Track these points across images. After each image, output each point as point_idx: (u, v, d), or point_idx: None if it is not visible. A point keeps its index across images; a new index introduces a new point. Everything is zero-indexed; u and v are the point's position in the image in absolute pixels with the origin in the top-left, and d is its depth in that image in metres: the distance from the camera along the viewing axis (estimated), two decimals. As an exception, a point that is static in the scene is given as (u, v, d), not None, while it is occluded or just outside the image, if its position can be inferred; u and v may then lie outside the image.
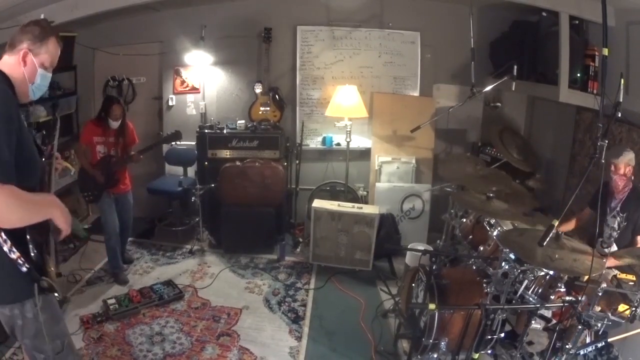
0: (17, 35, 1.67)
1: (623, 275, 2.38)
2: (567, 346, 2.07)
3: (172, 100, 4.76)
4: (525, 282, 2.33)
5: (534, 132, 4.77)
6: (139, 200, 4.16)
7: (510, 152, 4.04)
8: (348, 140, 4.38)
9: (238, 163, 4.24)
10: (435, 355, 2.58)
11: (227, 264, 4.11)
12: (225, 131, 4.44)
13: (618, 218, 2.79)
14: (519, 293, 2.33)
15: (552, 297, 2.30)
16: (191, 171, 4.70)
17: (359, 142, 4.74)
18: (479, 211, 2.88)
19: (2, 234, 1.53)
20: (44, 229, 1.65)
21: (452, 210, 3.42)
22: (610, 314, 2.08)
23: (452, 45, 4.48)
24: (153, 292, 3.49)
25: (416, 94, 4.74)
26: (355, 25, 4.57)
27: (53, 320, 1.81)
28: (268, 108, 4.53)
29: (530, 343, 2.38)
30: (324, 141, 4.81)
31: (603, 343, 2.10)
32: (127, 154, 3.59)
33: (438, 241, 3.74)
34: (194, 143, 4.51)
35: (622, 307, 2.17)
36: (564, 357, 2.08)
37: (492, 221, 2.84)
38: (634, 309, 2.10)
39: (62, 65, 4.21)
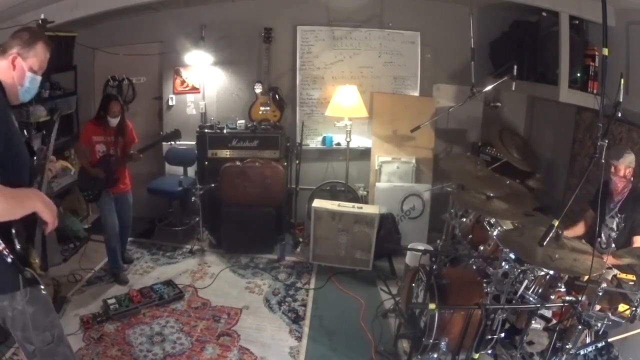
0: (8, 41, 1.76)
1: (623, 275, 2.38)
2: (567, 346, 2.07)
3: (172, 100, 4.76)
4: (526, 282, 2.33)
5: (534, 132, 4.77)
6: (139, 200, 4.15)
7: (510, 152, 4.04)
8: (348, 140, 4.38)
9: (238, 163, 4.24)
10: (435, 355, 2.58)
11: (227, 263, 4.11)
12: (225, 131, 4.44)
13: (616, 219, 2.79)
14: (519, 293, 2.33)
15: (552, 297, 2.30)
16: (191, 171, 4.70)
17: (359, 142, 4.74)
18: (479, 211, 2.88)
19: None
20: (29, 222, 1.69)
21: (452, 210, 3.42)
22: (610, 314, 2.08)
23: (452, 45, 4.48)
24: (153, 292, 3.49)
25: (416, 94, 4.74)
26: (355, 25, 4.57)
27: (42, 312, 1.88)
28: (268, 108, 4.53)
29: (530, 343, 2.38)
30: (324, 141, 4.81)
31: (603, 343, 2.10)
32: (126, 153, 3.59)
33: (438, 241, 3.74)
34: (194, 143, 4.51)
35: (622, 307, 2.17)
36: (564, 357, 2.08)
37: (492, 221, 2.84)
38: (634, 308, 2.10)
39: (62, 65, 4.27)
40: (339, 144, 4.75)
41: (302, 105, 4.76)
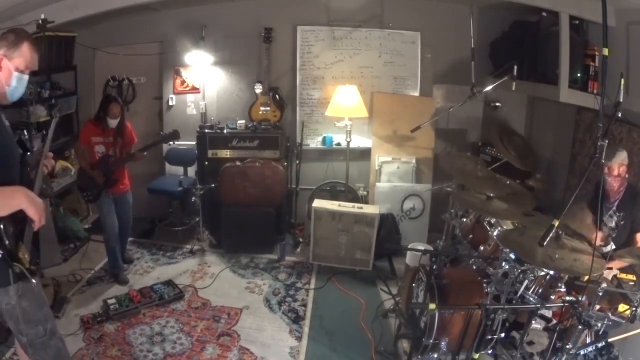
0: None
1: (623, 275, 2.38)
2: (567, 346, 2.07)
3: (172, 100, 4.76)
4: (526, 282, 2.33)
5: (534, 132, 4.77)
6: (139, 200, 4.16)
7: (510, 152, 4.04)
8: (348, 140, 4.37)
9: (238, 163, 4.24)
10: (435, 355, 2.58)
11: (227, 263, 4.11)
12: (225, 131, 4.44)
13: (615, 217, 2.79)
14: (519, 293, 2.33)
15: (553, 297, 2.30)
16: (191, 171, 4.70)
17: (359, 142, 4.74)
18: (479, 211, 2.88)
19: None
20: (18, 218, 1.72)
21: (452, 210, 3.42)
22: (610, 314, 2.08)
23: (452, 45, 4.49)
24: (153, 292, 3.49)
25: (416, 94, 4.74)
26: (356, 25, 4.57)
27: (35, 306, 1.94)
28: (268, 108, 4.53)
29: (530, 343, 2.38)
30: (324, 141, 4.81)
31: (603, 343, 2.10)
32: (126, 154, 3.59)
33: (438, 241, 3.74)
34: (194, 143, 4.51)
35: (622, 307, 2.17)
36: (564, 357, 2.08)
37: (492, 221, 2.84)
38: (634, 308, 2.10)
39: (62, 65, 4.28)
40: (339, 144, 4.75)
41: (302, 105, 4.76)
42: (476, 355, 2.00)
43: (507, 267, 2.37)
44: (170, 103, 4.77)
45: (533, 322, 2.26)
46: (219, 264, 4.11)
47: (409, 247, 3.83)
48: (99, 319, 3.13)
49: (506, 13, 4.30)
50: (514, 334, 2.59)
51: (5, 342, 2.72)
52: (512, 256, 2.38)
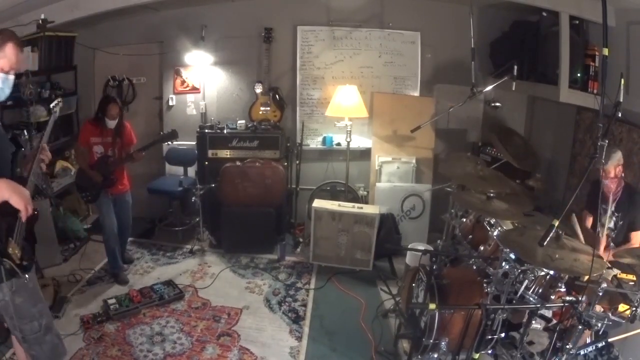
0: None
1: (623, 275, 2.38)
2: (567, 346, 2.07)
3: (173, 100, 4.76)
4: (526, 282, 2.33)
5: (534, 132, 4.77)
6: (139, 200, 4.16)
7: (510, 152, 4.03)
8: (348, 140, 4.37)
9: (238, 163, 4.24)
10: (435, 355, 2.58)
11: (227, 263, 4.11)
12: (225, 131, 4.45)
13: (614, 218, 2.79)
14: (519, 293, 2.33)
15: (553, 297, 2.30)
16: (191, 171, 4.70)
17: (359, 142, 4.74)
18: (479, 211, 2.88)
19: None
20: (8, 214, 1.74)
21: (452, 210, 3.41)
22: (610, 314, 2.08)
23: (452, 45, 4.48)
24: (153, 292, 3.49)
25: (416, 94, 4.74)
26: (356, 25, 4.57)
27: (29, 302, 1.97)
28: (268, 108, 4.53)
29: (530, 343, 2.37)
30: (324, 141, 4.81)
31: (603, 343, 2.10)
32: (125, 154, 3.59)
33: (438, 241, 3.73)
34: (194, 143, 4.51)
35: (622, 307, 2.17)
36: (565, 357, 2.08)
37: (492, 221, 2.84)
38: (634, 308, 2.10)
39: (62, 65, 4.28)
40: (339, 144, 4.75)
41: (302, 105, 4.76)
42: (476, 355, 2.00)
43: (507, 267, 2.37)
44: (171, 103, 4.77)
45: (533, 322, 2.26)
46: (219, 264, 4.11)
47: (409, 247, 3.83)
48: (99, 319, 3.13)
49: (506, 13, 4.30)
50: (514, 333, 2.59)
51: (5, 342, 2.72)
52: (512, 256, 2.37)
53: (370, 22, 4.58)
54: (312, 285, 3.84)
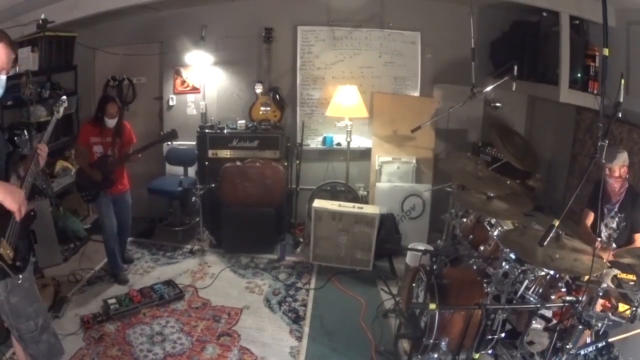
0: None
1: (623, 275, 2.38)
2: (567, 346, 2.07)
3: (173, 100, 4.76)
4: (526, 282, 2.33)
5: (534, 132, 4.77)
6: (139, 200, 4.16)
7: (510, 152, 4.03)
8: (348, 140, 4.37)
9: (238, 163, 4.24)
10: (435, 355, 2.58)
11: (227, 263, 4.11)
12: (225, 131, 4.45)
13: (617, 218, 2.79)
14: (520, 293, 2.33)
15: (553, 297, 2.30)
16: (192, 171, 4.70)
17: (360, 142, 4.75)
18: (480, 211, 2.88)
19: None
20: (0, 214, 1.74)
21: (452, 210, 3.41)
22: (610, 314, 2.08)
23: (452, 45, 4.48)
24: (153, 291, 3.49)
25: (416, 94, 4.74)
26: (356, 26, 4.57)
27: (25, 302, 1.97)
28: (268, 108, 4.53)
29: (530, 343, 2.37)
30: (324, 141, 4.81)
31: (603, 343, 2.10)
32: (124, 154, 3.60)
33: (438, 241, 3.74)
34: (194, 143, 4.51)
35: (622, 307, 2.17)
36: (565, 357, 2.08)
37: (493, 221, 2.84)
38: (634, 308, 2.10)
39: (62, 65, 4.28)
40: (339, 144, 4.75)
41: (302, 105, 4.76)
42: (476, 355, 2.00)
43: (507, 267, 2.37)
44: (171, 103, 4.77)
45: (533, 322, 2.26)
46: (219, 264, 4.11)
47: (409, 247, 3.83)
48: (99, 319, 3.13)
49: (506, 13, 4.30)
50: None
51: (5, 342, 2.72)
52: (513, 256, 2.38)
53: (370, 22, 4.58)
54: (312, 285, 3.84)
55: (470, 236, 3.01)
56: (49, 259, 3.72)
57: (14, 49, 1.90)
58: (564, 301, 2.11)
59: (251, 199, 4.18)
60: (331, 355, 2.98)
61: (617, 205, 2.80)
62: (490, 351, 2.46)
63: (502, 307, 2.23)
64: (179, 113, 4.79)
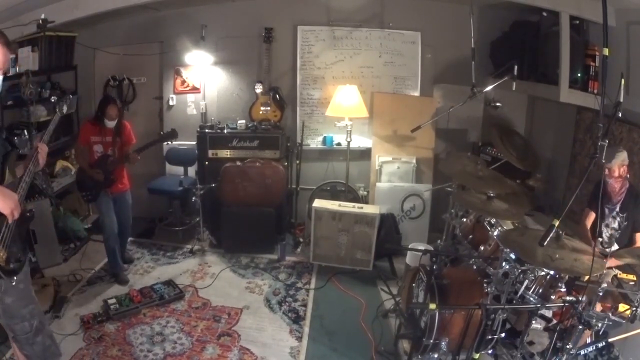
0: None
1: (624, 275, 2.38)
2: (567, 346, 2.07)
3: (173, 100, 4.76)
4: (526, 282, 2.33)
5: (534, 132, 4.77)
6: (139, 200, 4.16)
7: (511, 152, 4.03)
8: (348, 140, 4.37)
9: (238, 163, 4.24)
10: (435, 355, 2.58)
11: (227, 263, 4.11)
12: (225, 131, 4.45)
13: (618, 218, 2.79)
14: (520, 293, 2.33)
15: (553, 297, 2.30)
16: (192, 171, 4.70)
17: (360, 142, 4.74)
18: (480, 211, 2.88)
19: None
20: None
21: (452, 210, 3.41)
22: (610, 314, 2.08)
23: (452, 45, 4.48)
24: (154, 291, 3.49)
25: (416, 93, 4.74)
26: (356, 25, 4.57)
27: (19, 303, 1.98)
28: (268, 108, 4.53)
29: (530, 343, 2.37)
30: (324, 141, 4.81)
31: (603, 343, 2.10)
32: (124, 154, 3.60)
33: (438, 241, 3.73)
34: (194, 143, 4.51)
35: (622, 307, 2.17)
36: (565, 357, 2.08)
37: (493, 221, 2.84)
38: (634, 308, 2.10)
39: (63, 65, 4.28)
40: (339, 144, 4.75)
41: (302, 105, 4.76)
42: (476, 355, 2.00)
43: (507, 267, 2.37)
44: (171, 103, 4.77)
45: (533, 322, 2.26)
46: (219, 264, 4.11)
47: (409, 247, 3.83)
48: (99, 319, 3.13)
49: (506, 13, 4.30)
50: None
51: (5, 342, 2.72)
52: (513, 256, 2.38)
53: (370, 22, 4.58)
54: (312, 285, 3.84)
55: (470, 236, 3.01)
56: (49, 259, 3.72)
57: (12, 49, 1.90)
58: (564, 301, 2.11)
59: (251, 199, 4.18)
60: (331, 355, 2.98)
61: (618, 205, 2.80)
62: (490, 351, 2.46)
63: (502, 307, 2.24)
64: (179, 113, 4.79)
